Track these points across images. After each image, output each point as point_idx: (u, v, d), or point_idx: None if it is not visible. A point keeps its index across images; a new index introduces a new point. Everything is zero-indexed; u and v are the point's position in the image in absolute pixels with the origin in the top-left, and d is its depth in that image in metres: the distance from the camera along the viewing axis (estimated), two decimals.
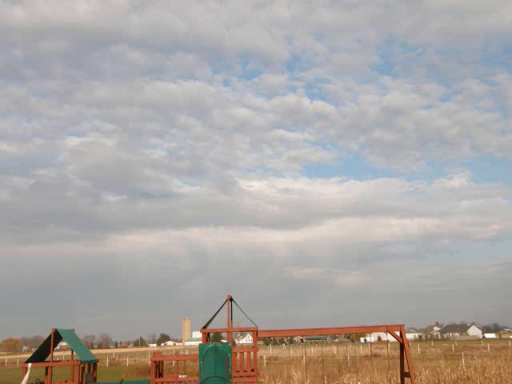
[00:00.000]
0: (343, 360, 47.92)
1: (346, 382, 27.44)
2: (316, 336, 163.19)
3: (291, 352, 67.21)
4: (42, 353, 20.30)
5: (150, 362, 22.30)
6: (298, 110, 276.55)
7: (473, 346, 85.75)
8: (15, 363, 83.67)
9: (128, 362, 64.14)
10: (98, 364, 21.59)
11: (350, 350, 62.60)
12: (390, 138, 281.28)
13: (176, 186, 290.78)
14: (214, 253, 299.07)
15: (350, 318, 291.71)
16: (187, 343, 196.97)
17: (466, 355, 48.04)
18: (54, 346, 19.84)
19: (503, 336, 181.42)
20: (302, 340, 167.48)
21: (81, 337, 26.10)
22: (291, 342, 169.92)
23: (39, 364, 19.63)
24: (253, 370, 15.22)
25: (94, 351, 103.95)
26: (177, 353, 72.39)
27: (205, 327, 15.96)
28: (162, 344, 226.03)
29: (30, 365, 18.96)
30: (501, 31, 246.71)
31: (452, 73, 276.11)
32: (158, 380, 16.78)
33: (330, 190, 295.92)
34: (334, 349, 77.78)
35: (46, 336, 20.81)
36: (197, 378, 15.71)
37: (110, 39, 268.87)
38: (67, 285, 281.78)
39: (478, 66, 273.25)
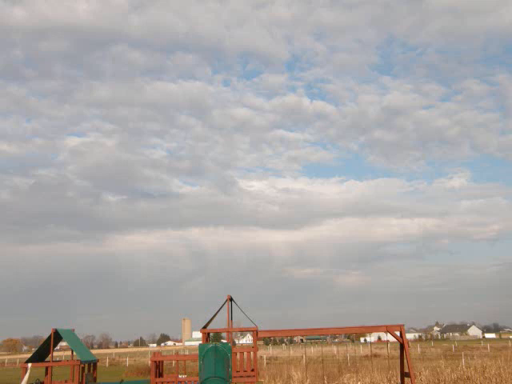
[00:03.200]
0: (343, 360, 47.91)
1: (345, 382, 27.43)
2: (316, 336, 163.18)
3: (291, 352, 67.20)
4: (42, 353, 20.30)
5: (149, 362, 22.30)
6: (298, 109, 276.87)
7: (473, 346, 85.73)
8: (15, 363, 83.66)
9: (128, 361, 64.12)
10: (98, 364, 21.58)
11: (350, 349, 62.58)
12: (390, 137, 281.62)
13: (176, 186, 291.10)
14: (214, 253, 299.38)
15: (349, 317, 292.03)
16: (187, 343, 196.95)
17: (466, 355, 48.03)
18: (54, 346, 19.83)
19: (503, 336, 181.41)
20: (302, 340, 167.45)
21: (81, 337, 26.12)
22: (291, 341, 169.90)
23: (39, 364, 19.63)
24: (253, 370, 15.22)
25: (94, 351, 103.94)
26: (177, 353, 72.39)
27: (205, 327, 15.96)
28: (162, 344, 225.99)
29: (29, 365, 18.96)
30: (501, 31, 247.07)
31: (452, 73, 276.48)
32: (158, 380, 16.78)
33: (330, 190, 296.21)
34: (334, 349, 77.77)
35: (45, 336, 20.81)
36: (197, 378, 15.71)
37: (110, 39, 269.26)
38: (67, 285, 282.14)
39: (478, 65, 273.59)
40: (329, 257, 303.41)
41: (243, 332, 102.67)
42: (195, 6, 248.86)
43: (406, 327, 15.87)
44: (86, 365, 19.93)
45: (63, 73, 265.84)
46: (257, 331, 15.65)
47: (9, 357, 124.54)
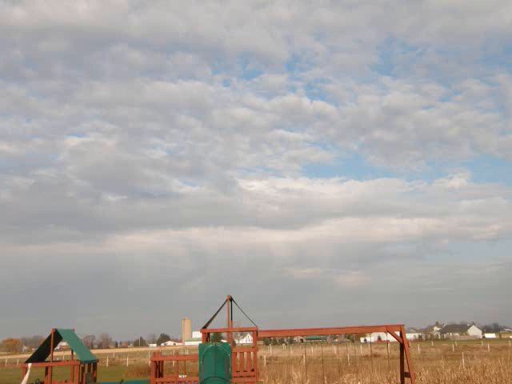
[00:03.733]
0: (343, 360, 47.90)
1: (345, 382, 27.43)
2: (316, 336, 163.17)
3: (291, 352, 67.20)
4: (42, 353, 20.30)
5: (149, 361, 22.30)
6: (298, 109, 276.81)
7: (473, 346, 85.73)
8: (15, 363, 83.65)
9: (128, 361, 64.11)
10: (98, 364, 21.58)
11: (350, 349, 62.58)
12: (390, 137, 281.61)
13: (176, 186, 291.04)
14: (214, 253, 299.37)
15: (350, 317, 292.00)
16: (187, 343, 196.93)
17: (466, 355, 48.02)
18: (54, 346, 19.83)
19: (503, 336, 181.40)
20: (302, 340, 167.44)
21: (81, 337, 26.11)
22: (291, 341, 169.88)
23: (39, 364, 19.62)
24: (253, 370, 15.22)
25: (94, 351, 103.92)
26: (177, 353, 72.38)
27: (205, 327, 15.96)
28: (162, 344, 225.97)
29: (29, 365, 18.96)
30: (501, 31, 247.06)
31: (452, 73, 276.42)
32: (158, 380, 16.78)
33: (330, 190, 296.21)
34: (334, 349, 77.76)
35: (45, 336, 20.81)
36: (197, 378, 15.71)
37: (110, 39, 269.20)
38: (67, 285, 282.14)
39: (478, 65, 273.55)
40: (329, 257, 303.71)
41: (243, 332, 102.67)
42: (195, 6, 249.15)
43: (406, 327, 15.87)
44: (86, 365, 19.93)
45: (63, 73, 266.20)
46: (257, 331, 15.65)
47: (9, 357, 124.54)
